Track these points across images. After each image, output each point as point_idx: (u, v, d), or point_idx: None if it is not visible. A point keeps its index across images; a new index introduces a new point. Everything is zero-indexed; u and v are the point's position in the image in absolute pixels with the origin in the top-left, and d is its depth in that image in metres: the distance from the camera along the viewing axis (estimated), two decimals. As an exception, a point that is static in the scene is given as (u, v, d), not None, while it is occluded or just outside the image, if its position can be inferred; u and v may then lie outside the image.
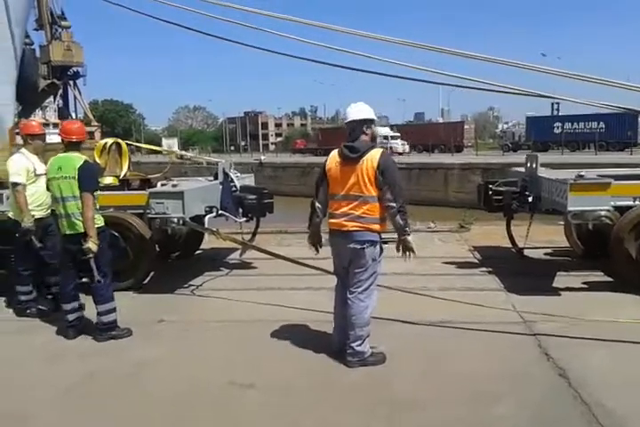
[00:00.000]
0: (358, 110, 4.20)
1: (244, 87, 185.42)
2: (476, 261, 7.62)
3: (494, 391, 3.76)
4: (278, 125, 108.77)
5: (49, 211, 5.52)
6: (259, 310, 5.62)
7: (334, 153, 4.28)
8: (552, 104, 53.61)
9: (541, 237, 8.32)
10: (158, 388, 3.98)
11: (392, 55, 5.55)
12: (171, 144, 57.82)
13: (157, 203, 6.09)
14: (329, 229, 4.32)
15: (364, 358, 4.23)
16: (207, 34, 7.01)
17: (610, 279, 6.37)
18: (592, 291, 6.01)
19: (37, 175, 5.52)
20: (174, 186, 6.55)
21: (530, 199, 6.36)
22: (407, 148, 50.09)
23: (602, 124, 42.86)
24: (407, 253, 4.18)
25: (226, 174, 7.17)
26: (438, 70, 5.60)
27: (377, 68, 6.04)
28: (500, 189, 6.66)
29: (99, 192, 6.56)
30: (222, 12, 6.39)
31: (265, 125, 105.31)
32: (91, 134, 54.55)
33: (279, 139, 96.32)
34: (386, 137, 51.93)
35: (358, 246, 4.11)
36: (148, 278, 6.72)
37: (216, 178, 7.27)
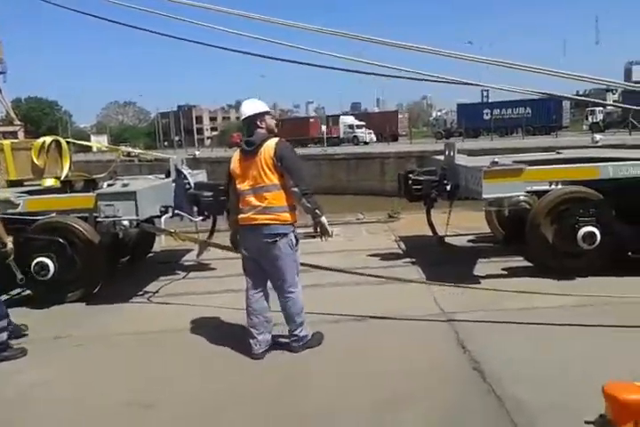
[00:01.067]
0: (249, 106, 4.29)
1: (176, 81, 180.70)
2: (401, 251, 7.52)
3: (407, 391, 3.61)
4: (213, 119, 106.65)
5: None
6: (192, 316, 5.22)
7: (236, 152, 4.34)
8: (481, 91, 54.96)
9: (466, 224, 8.33)
10: (48, 412, 3.63)
11: (323, 46, 5.38)
12: (100, 141, 55.76)
13: (107, 205, 5.55)
14: (240, 224, 4.27)
15: (307, 341, 4.36)
16: (148, 30, 6.38)
17: (529, 264, 6.38)
18: (511, 277, 5.98)
19: None
20: (125, 185, 5.98)
21: (448, 188, 6.28)
22: (373, 137, 49.33)
23: (528, 110, 44.31)
24: (323, 235, 4.33)
25: (178, 171, 6.68)
26: (371, 61, 5.42)
27: (310, 59, 5.78)
28: (419, 178, 6.56)
29: (39, 196, 6.01)
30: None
31: (199, 119, 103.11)
32: (13, 134, 52.04)
33: (214, 133, 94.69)
34: (351, 126, 51.27)
35: (269, 240, 4.11)
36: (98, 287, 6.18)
37: (168, 175, 6.79)
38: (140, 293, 6.26)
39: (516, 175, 5.46)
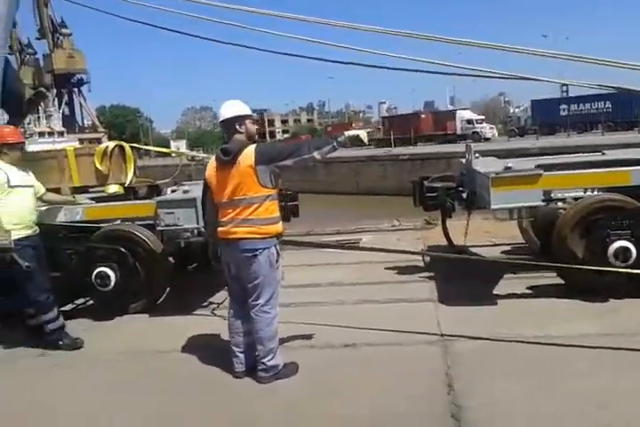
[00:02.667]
0: (228, 108, 3.95)
1: (248, 85, 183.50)
2: (422, 264, 6.88)
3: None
4: (285, 122, 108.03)
5: (33, 229, 4.90)
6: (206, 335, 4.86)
7: (212, 159, 4.01)
8: (560, 87, 52.14)
9: (503, 233, 7.60)
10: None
11: (390, 47, 5.10)
12: (179, 146, 57.30)
13: (167, 213, 5.31)
14: (219, 238, 3.95)
15: (277, 371, 3.92)
16: (201, 37, 6.19)
17: (561, 282, 5.61)
18: (535, 297, 5.29)
19: (12, 187, 4.77)
20: (185, 192, 5.74)
21: (464, 195, 5.64)
22: (495, 132, 45.40)
23: (608, 104, 41.53)
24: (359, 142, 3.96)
25: None
26: (438, 61, 4.98)
27: (376, 61, 5.41)
28: (434, 185, 5.95)
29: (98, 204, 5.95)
30: (213, 12, 5.73)
31: (271, 122, 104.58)
32: (98, 141, 54.69)
33: (286, 135, 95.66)
34: (470, 121, 46.41)
35: (249, 254, 3.80)
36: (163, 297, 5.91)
37: None
38: (205, 304, 5.94)
39: (531, 182, 4.76)
